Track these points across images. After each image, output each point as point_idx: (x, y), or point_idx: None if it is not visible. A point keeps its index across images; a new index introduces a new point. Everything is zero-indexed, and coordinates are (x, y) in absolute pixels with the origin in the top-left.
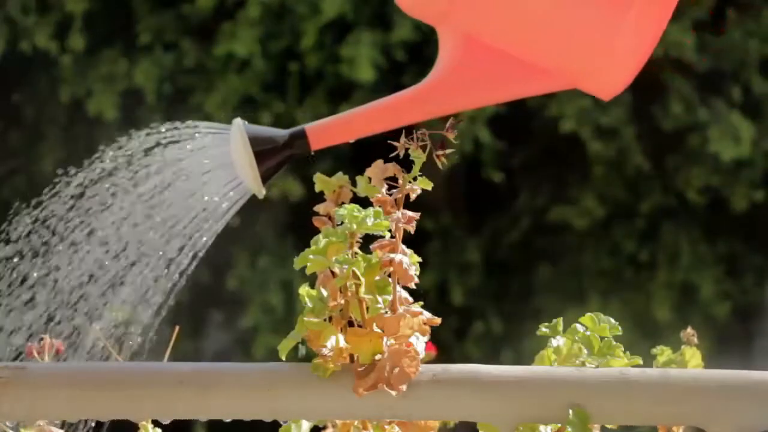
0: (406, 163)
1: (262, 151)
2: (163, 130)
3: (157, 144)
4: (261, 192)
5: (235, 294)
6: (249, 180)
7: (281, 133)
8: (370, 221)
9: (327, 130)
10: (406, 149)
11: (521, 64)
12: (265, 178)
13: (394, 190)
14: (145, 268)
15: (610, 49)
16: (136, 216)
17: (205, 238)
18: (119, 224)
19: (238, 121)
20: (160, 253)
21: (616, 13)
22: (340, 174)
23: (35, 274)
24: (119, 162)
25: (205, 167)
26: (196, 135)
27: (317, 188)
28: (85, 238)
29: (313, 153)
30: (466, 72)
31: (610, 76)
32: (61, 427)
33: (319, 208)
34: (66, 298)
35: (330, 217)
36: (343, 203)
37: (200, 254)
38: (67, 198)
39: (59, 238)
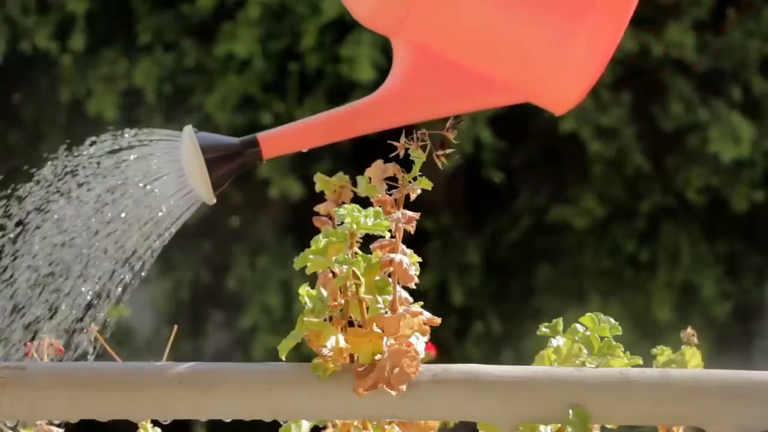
0: (406, 163)
1: (213, 158)
2: (120, 135)
3: (112, 150)
4: (212, 200)
5: (235, 294)
6: (200, 188)
7: (233, 141)
8: (370, 221)
9: (279, 139)
10: (406, 149)
11: (475, 75)
12: (216, 186)
13: (394, 190)
14: (95, 272)
15: (563, 63)
16: (87, 221)
17: (156, 244)
18: (70, 228)
19: (188, 129)
20: (110, 257)
21: (568, 27)
22: (340, 174)
23: None
24: (74, 165)
25: (156, 174)
26: (149, 141)
27: (318, 188)
28: (38, 241)
29: (263, 161)
30: (419, 83)
31: (563, 90)
32: (61, 427)
33: (320, 208)
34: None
35: (330, 217)
36: (343, 203)
37: (150, 259)
38: (23, 196)
39: (9, 238)
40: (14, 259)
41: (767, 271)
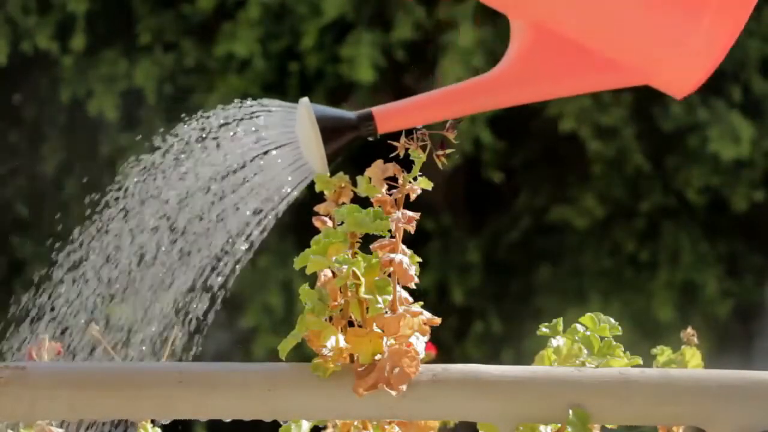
0: (406, 163)
1: (328, 130)
2: (232, 108)
3: (226, 122)
4: (326, 171)
5: (235, 294)
6: (314, 160)
7: (348, 114)
8: (370, 221)
9: (394, 114)
10: (406, 149)
11: (593, 56)
12: (331, 159)
13: (394, 190)
14: (206, 244)
15: (685, 45)
16: (201, 193)
17: (268, 217)
18: (184, 200)
19: (305, 101)
20: (222, 231)
21: (693, 10)
22: (340, 174)
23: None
24: (190, 139)
25: (270, 146)
26: (263, 113)
27: (317, 188)
28: (150, 213)
29: (378, 136)
30: (536, 61)
31: (683, 73)
32: (61, 427)
33: (320, 208)
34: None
35: (330, 217)
36: (343, 203)
37: (263, 232)
38: (141, 171)
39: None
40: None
41: (767, 271)
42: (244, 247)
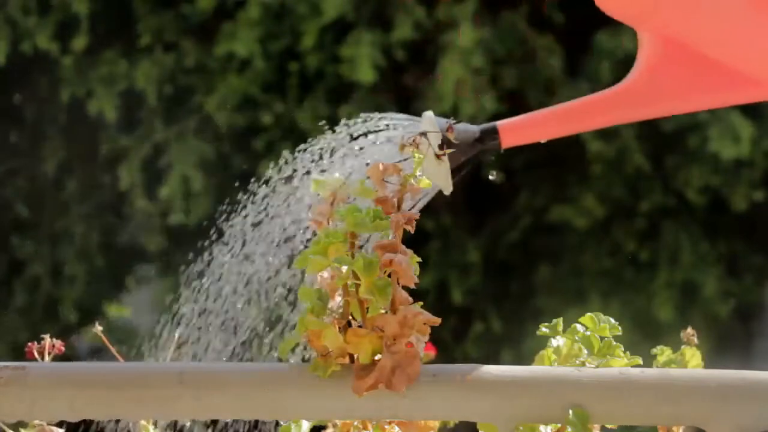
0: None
1: (453, 145)
2: (356, 122)
3: (350, 136)
4: (449, 188)
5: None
6: (437, 174)
7: (473, 128)
8: (369, 221)
9: (519, 129)
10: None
11: (726, 70)
12: (455, 173)
13: (394, 191)
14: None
15: None
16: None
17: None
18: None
19: (429, 114)
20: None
21: None
22: (336, 175)
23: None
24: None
25: (393, 160)
26: (386, 127)
27: (313, 190)
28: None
29: (502, 150)
30: (665, 76)
31: None
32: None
33: (315, 209)
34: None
35: (327, 218)
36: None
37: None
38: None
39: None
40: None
41: (767, 271)
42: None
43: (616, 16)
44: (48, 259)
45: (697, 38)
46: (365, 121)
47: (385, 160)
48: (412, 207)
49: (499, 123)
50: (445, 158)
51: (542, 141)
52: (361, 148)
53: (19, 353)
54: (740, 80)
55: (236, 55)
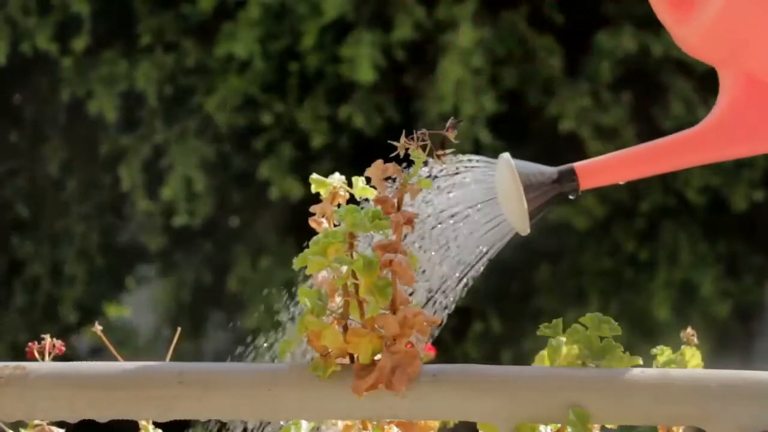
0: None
1: (530, 188)
2: (443, 161)
3: (429, 176)
4: (526, 230)
5: (237, 295)
6: (515, 217)
7: (550, 170)
8: (369, 221)
9: (596, 170)
10: (406, 149)
11: None
12: (533, 215)
13: (394, 191)
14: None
15: None
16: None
17: (468, 273)
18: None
19: (506, 156)
20: (421, 287)
21: None
22: (336, 174)
23: None
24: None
25: (470, 201)
26: (463, 168)
27: (313, 189)
28: None
29: (580, 193)
30: (747, 116)
31: None
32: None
33: (315, 208)
34: None
35: (326, 218)
36: (339, 204)
37: (461, 290)
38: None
39: None
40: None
41: (767, 271)
42: (443, 305)
43: (695, 57)
44: (48, 259)
45: None
46: (452, 162)
47: (464, 202)
48: (486, 253)
49: (576, 164)
50: (521, 197)
51: (620, 183)
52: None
53: (19, 353)
54: None
55: (236, 56)
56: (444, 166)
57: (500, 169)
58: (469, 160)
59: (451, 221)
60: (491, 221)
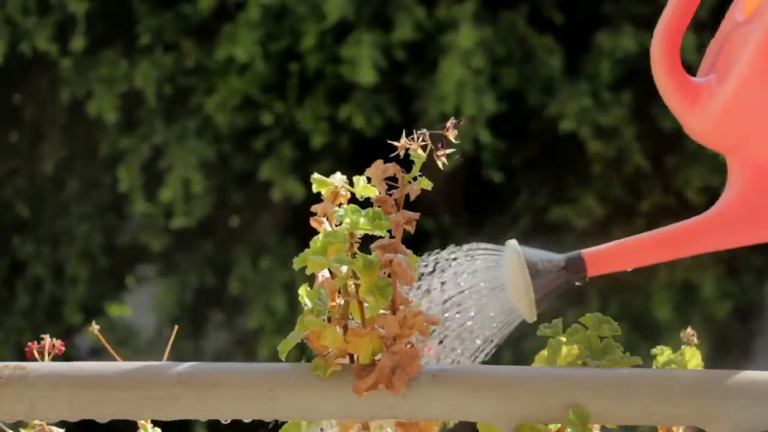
0: (406, 163)
1: (538, 275)
2: (443, 254)
3: (436, 265)
4: (533, 317)
5: (238, 295)
6: (521, 304)
7: (557, 257)
8: (369, 221)
9: (605, 258)
10: (406, 149)
11: None
12: (539, 304)
13: (394, 191)
14: None
15: None
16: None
17: (476, 358)
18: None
19: (513, 243)
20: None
21: None
22: (337, 174)
23: None
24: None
25: (478, 289)
26: (471, 257)
27: (314, 189)
28: None
29: (587, 279)
30: (756, 206)
31: None
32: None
33: (316, 208)
34: None
35: (327, 218)
36: (340, 204)
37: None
38: None
39: None
40: None
41: (767, 271)
42: None
43: (704, 144)
44: (50, 260)
45: None
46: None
47: (472, 290)
48: (496, 333)
49: (584, 252)
50: (529, 286)
51: (628, 269)
52: (443, 283)
53: (23, 355)
54: None
55: (237, 58)
56: (453, 256)
57: (509, 257)
58: (477, 247)
59: (458, 309)
60: (499, 308)
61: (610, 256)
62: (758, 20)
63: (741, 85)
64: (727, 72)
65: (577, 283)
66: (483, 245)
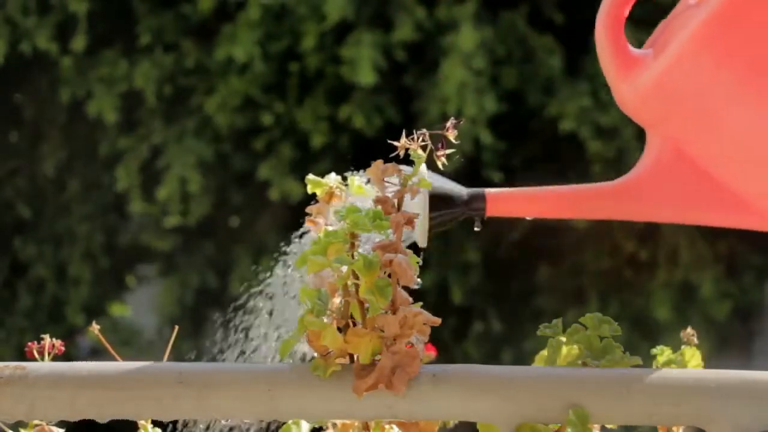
0: (406, 164)
1: (437, 202)
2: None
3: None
4: (424, 243)
5: (238, 295)
6: (417, 229)
7: (462, 191)
8: (369, 221)
9: (506, 200)
10: (406, 149)
11: (726, 192)
12: (432, 229)
13: (394, 191)
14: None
15: None
16: None
17: None
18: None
19: (423, 169)
20: None
21: None
22: (332, 175)
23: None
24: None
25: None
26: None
27: (309, 189)
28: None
29: (485, 218)
30: (664, 182)
31: None
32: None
33: (312, 209)
34: None
35: (323, 218)
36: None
37: None
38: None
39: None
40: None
41: (767, 271)
42: None
43: (630, 115)
44: (52, 261)
45: (702, 158)
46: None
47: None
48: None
49: (488, 190)
50: (425, 211)
51: (528, 218)
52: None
53: (25, 356)
54: (738, 205)
55: (236, 58)
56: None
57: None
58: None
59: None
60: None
61: (511, 199)
62: (705, 5)
63: (673, 63)
64: (664, 48)
65: (476, 226)
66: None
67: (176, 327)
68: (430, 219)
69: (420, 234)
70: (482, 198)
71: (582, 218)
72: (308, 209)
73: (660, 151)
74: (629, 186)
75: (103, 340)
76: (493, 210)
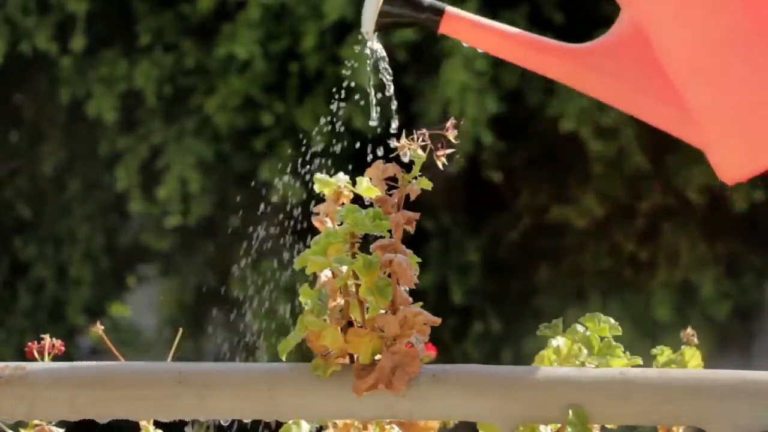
0: (406, 164)
1: (396, 2)
2: None
3: None
4: (369, 32)
5: (238, 296)
6: (366, 14)
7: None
8: (369, 221)
9: (462, 23)
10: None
11: (673, 93)
12: (380, 21)
13: (394, 190)
14: None
15: (749, 129)
16: None
17: None
18: None
19: None
20: None
21: None
22: (340, 174)
23: None
24: None
25: None
26: None
27: (317, 189)
28: None
29: (437, 32)
30: (619, 58)
31: (739, 156)
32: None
33: (319, 208)
34: None
35: (330, 218)
36: (342, 204)
37: None
38: None
39: None
40: None
41: (767, 271)
42: None
43: None
44: (52, 261)
45: (659, 43)
46: None
47: None
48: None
49: (449, 8)
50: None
51: (477, 48)
52: None
53: (25, 356)
54: (676, 108)
55: (237, 57)
56: None
57: None
58: None
59: None
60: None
61: (468, 25)
62: None
63: None
64: None
65: (432, 29)
66: None
67: (180, 329)
68: (380, 12)
69: (368, 17)
70: (441, 11)
71: (530, 69)
72: (315, 209)
73: (626, 27)
74: (585, 52)
75: (106, 339)
76: (446, 27)
